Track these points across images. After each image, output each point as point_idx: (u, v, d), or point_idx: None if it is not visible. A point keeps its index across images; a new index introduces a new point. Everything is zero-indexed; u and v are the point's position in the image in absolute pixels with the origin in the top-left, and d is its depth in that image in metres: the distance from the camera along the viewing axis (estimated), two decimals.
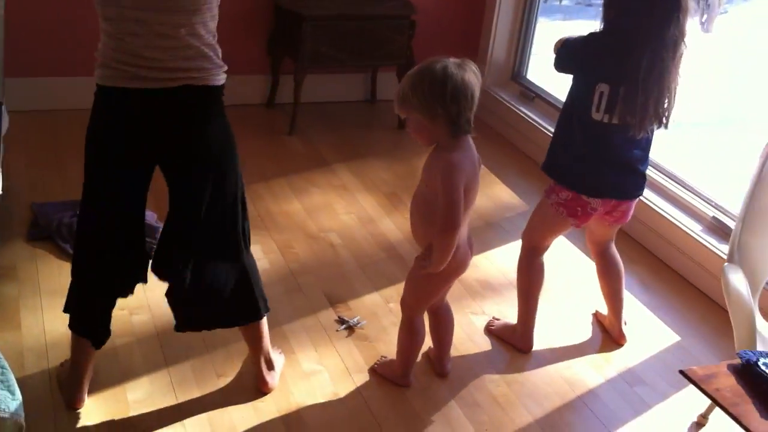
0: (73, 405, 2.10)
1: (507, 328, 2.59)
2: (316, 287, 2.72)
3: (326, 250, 2.95)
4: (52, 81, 3.68)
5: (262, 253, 2.86)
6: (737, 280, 1.82)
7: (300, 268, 2.82)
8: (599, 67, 2.21)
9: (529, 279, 2.50)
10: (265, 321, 2.19)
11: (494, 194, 3.52)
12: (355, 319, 2.57)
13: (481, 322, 2.65)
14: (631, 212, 2.42)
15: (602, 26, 2.25)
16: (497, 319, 2.65)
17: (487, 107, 4.18)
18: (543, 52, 3.70)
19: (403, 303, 2.29)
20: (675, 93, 2.24)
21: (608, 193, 2.32)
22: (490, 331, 2.61)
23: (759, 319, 1.86)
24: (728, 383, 1.38)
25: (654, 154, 2.66)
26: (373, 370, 2.36)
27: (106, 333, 2.10)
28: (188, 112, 1.93)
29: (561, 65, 2.32)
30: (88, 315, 2.08)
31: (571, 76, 2.32)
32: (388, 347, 2.44)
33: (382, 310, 2.64)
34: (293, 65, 3.80)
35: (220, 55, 1.94)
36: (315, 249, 2.95)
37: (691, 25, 2.23)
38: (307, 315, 2.58)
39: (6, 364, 1.71)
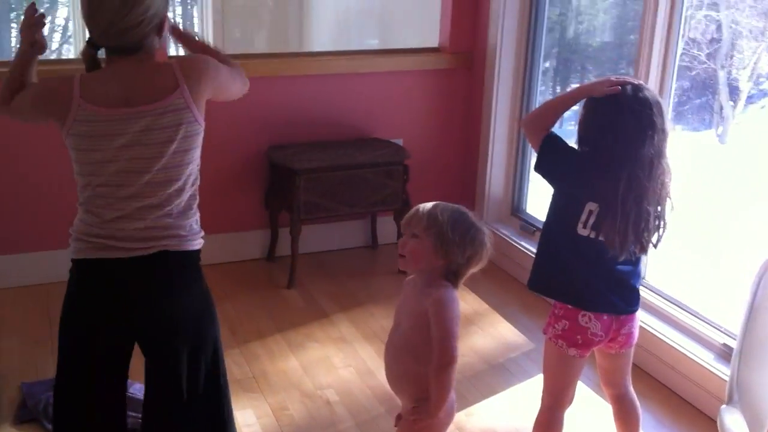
0: None
1: None
2: None
3: (322, 409, 2.83)
4: (40, 255, 3.67)
5: (254, 418, 2.76)
6: (734, 424, 1.69)
7: (294, 431, 2.70)
8: (588, 185, 2.14)
9: None
10: None
11: (498, 333, 3.41)
12: None
13: None
14: (636, 333, 2.29)
15: (579, 149, 2.19)
16: None
17: None
18: (541, 186, 3.68)
19: None
20: (660, 217, 2.17)
21: (604, 308, 2.20)
22: None
23: None
24: None
25: (657, 280, 2.58)
26: None
27: None
28: (163, 279, 1.89)
29: (548, 173, 2.25)
30: None
31: None
32: None
33: None
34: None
35: (198, 221, 1.93)
36: (310, 408, 2.83)
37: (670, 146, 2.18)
38: None
39: None
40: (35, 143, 3.45)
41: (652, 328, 3.06)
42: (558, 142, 2.22)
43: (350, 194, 3.79)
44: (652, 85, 3.08)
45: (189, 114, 1.83)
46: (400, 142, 4.11)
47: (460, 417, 2.77)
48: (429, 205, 2.03)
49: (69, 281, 1.93)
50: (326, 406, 2.85)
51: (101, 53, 1.87)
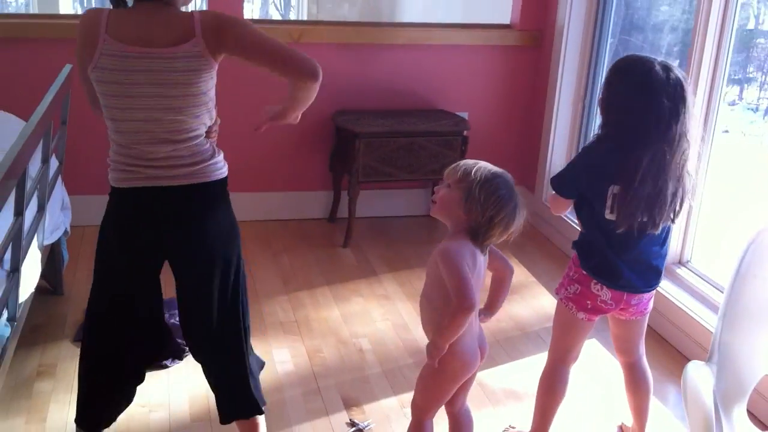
0: None
1: None
2: (335, 390, 2.76)
3: (353, 355, 3.00)
4: None
5: (289, 356, 2.95)
6: (699, 377, 1.75)
7: (324, 371, 2.88)
8: (608, 168, 2.20)
9: (550, 389, 2.42)
10: (261, 420, 2.25)
11: (538, 304, 3.49)
12: (366, 423, 2.59)
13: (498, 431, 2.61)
14: (650, 306, 2.35)
15: (602, 131, 2.27)
16: (512, 427, 2.60)
17: (541, 216, 4.20)
18: None
19: (413, 404, 2.27)
20: (677, 192, 2.20)
21: (618, 285, 2.26)
22: None
23: (730, 421, 1.77)
24: None
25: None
26: None
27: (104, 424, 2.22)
28: (190, 208, 2.06)
29: (566, 187, 2.29)
30: (92, 407, 2.21)
31: None
32: None
33: (396, 414, 2.64)
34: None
35: (219, 155, 2.09)
36: (343, 353, 3.01)
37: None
38: (320, 417, 2.62)
39: None
40: None
41: (695, 313, 3.07)
42: (564, 178, 2.31)
43: (408, 161, 3.93)
44: (705, 67, 3.11)
45: (202, 60, 1.95)
46: (465, 115, 4.22)
47: (484, 375, 2.89)
48: (471, 161, 2.10)
49: (108, 204, 2.13)
50: (358, 352, 3.02)
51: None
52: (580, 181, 2.26)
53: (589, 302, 2.29)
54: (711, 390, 1.75)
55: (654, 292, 2.35)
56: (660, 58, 2.21)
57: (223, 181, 2.10)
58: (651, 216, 2.20)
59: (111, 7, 1.99)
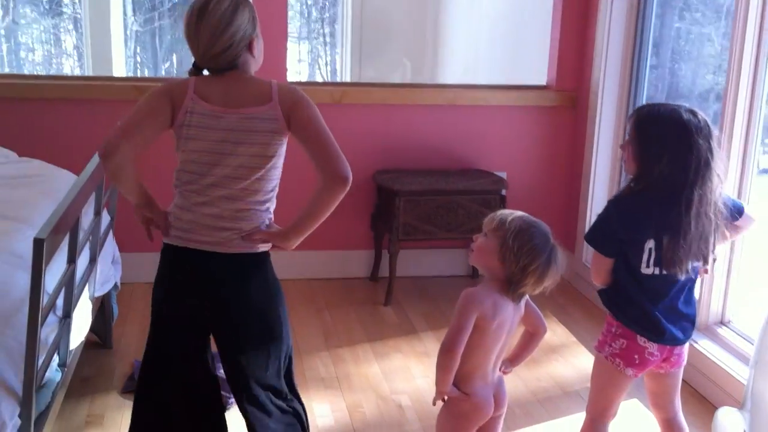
0: None
1: None
2: None
3: (393, 411, 3.02)
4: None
5: (330, 411, 2.98)
6: (729, 422, 1.76)
7: (363, 427, 2.90)
8: (649, 220, 2.21)
9: None
10: None
11: (579, 363, 3.49)
12: None
13: None
14: (685, 357, 2.34)
15: (636, 183, 2.24)
16: None
17: (581, 276, 4.22)
18: None
19: None
20: (716, 228, 2.21)
21: (665, 339, 2.27)
22: None
23: None
24: None
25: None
26: None
27: None
28: (234, 275, 2.15)
29: (605, 242, 2.26)
30: None
31: None
32: None
33: None
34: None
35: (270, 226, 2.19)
36: (383, 409, 3.03)
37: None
38: None
39: None
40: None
41: (737, 373, 3.05)
42: (599, 232, 2.29)
43: (447, 219, 3.99)
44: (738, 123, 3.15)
45: (276, 125, 2.07)
46: (503, 174, 4.28)
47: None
48: (508, 211, 2.16)
49: (160, 260, 2.23)
50: (398, 409, 3.04)
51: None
52: (617, 235, 2.24)
53: (636, 357, 2.27)
54: None
55: (688, 343, 2.36)
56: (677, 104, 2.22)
57: (264, 252, 2.20)
58: (703, 255, 2.22)
59: (195, 77, 2.12)
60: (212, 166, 2.08)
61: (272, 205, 2.20)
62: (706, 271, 2.34)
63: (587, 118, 4.22)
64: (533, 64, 4.82)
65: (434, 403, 2.18)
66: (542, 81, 4.45)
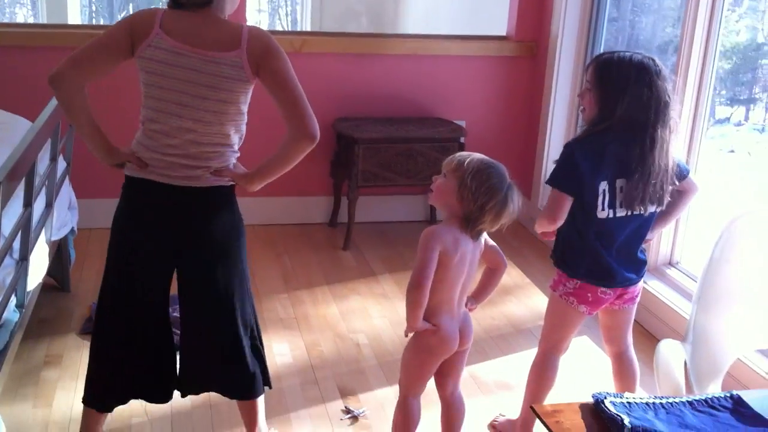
0: None
1: (509, 423, 2.62)
2: (332, 381, 2.86)
3: (351, 349, 3.09)
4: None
5: (288, 350, 3.04)
6: (671, 353, 1.84)
7: (321, 363, 2.97)
8: (609, 162, 2.25)
9: (541, 378, 2.49)
10: (260, 400, 2.35)
11: (532, 303, 3.58)
12: (361, 410, 2.68)
13: (488, 420, 2.69)
14: (639, 292, 2.42)
15: (596, 125, 2.27)
16: (502, 415, 2.69)
17: (534, 218, 4.30)
18: None
19: (399, 382, 2.36)
20: (669, 171, 2.27)
21: (617, 283, 2.34)
22: (494, 426, 2.65)
23: None
24: (572, 418, 1.42)
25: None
26: None
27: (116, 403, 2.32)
28: (198, 208, 2.18)
29: (568, 181, 2.29)
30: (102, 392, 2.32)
31: None
32: None
33: (390, 402, 2.72)
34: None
35: (235, 164, 2.21)
36: (340, 347, 3.10)
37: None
38: (317, 405, 2.71)
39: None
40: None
41: (685, 311, 3.15)
42: (561, 171, 2.32)
43: (407, 167, 4.04)
44: (692, 74, 3.22)
45: (241, 73, 2.07)
46: (462, 123, 4.33)
47: (477, 368, 2.99)
48: (467, 153, 2.21)
49: (121, 195, 2.23)
50: (355, 347, 3.11)
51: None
52: (577, 171, 2.26)
53: (590, 295, 2.34)
54: (682, 364, 1.83)
55: (642, 281, 2.44)
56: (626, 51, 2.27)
57: (231, 187, 2.23)
58: (658, 198, 2.28)
59: (165, 8, 2.11)
60: (179, 107, 2.08)
61: (239, 143, 2.21)
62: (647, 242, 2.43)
63: (546, 69, 4.27)
64: (493, 15, 4.84)
65: (406, 335, 2.25)
66: (502, 32, 4.48)
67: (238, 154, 2.23)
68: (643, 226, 2.36)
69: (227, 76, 2.06)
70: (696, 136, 3.28)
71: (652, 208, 2.30)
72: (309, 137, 2.11)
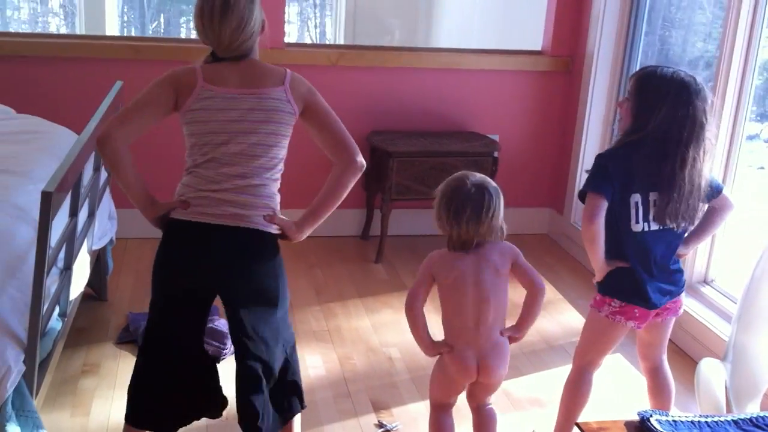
0: None
1: None
2: (365, 394, 2.87)
3: (383, 363, 3.11)
4: None
5: (321, 362, 3.07)
6: (712, 372, 1.84)
7: (354, 376, 2.99)
8: (642, 174, 2.25)
9: (575, 394, 2.48)
10: (297, 420, 2.35)
11: (564, 319, 3.58)
12: (394, 424, 2.69)
13: None
14: (682, 306, 2.40)
15: (630, 137, 2.27)
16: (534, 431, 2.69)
17: (569, 237, 4.30)
18: None
19: (429, 397, 2.40)
20: (701, 189, 2.26)
21: (660, 301, 2.33)
22: None
23: None
24: None
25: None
26: None
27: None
28: (241, 250, 2.15)
29: (602, 184, 2.27)
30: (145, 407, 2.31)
31: None
32: None
33: (423, 417, 2.72)
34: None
35: (278, 205, 2.20)
36: (372, 361, 3.12)
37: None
38: (349, 418, 2.73)
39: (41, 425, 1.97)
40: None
41: (720, 330, 3.13)
42: (595, 177, 2.31)
43: (440, 180, 3.99)
44: (731, 91, 3.20)
45: (288, 105, 2.14)
46: (496, 137, 4.34)
47: (510, 384, 2.98)
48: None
49: (162, 237, 2.22)
50: (387, 360, 3.13)
51: None
52: (611, 178, 2.26)
53: (636, 311, 2.32)
54: (723, 383, 1.83)
55: (683, 292, 2.39)
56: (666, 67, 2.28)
57: (275, 237, 2.20)
58: (689, 216, 2.28)
59: (202, 64, 2.15)
60: (225, 144, 2.12)
61: (278, 185, 2.22)
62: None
63: (581, 84, 4.26)
64: (528, 30, 4.86)
65: (426, 354, 2.29)
66: (537, 46, 4.49)
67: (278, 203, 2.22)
68: (675, 241, 2.35)
69: (280, 108, 2.13)
70: (733, 154, 3.26)
71: (683, 224, 2.30)
72: (359, 167, 2.20)
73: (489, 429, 2.39)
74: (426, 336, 2.24)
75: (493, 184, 2.22)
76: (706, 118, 2.23)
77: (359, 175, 2.21)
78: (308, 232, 2.26)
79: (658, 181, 2.25)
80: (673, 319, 2.44)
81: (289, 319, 2.33)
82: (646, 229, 2.29)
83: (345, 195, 2.23)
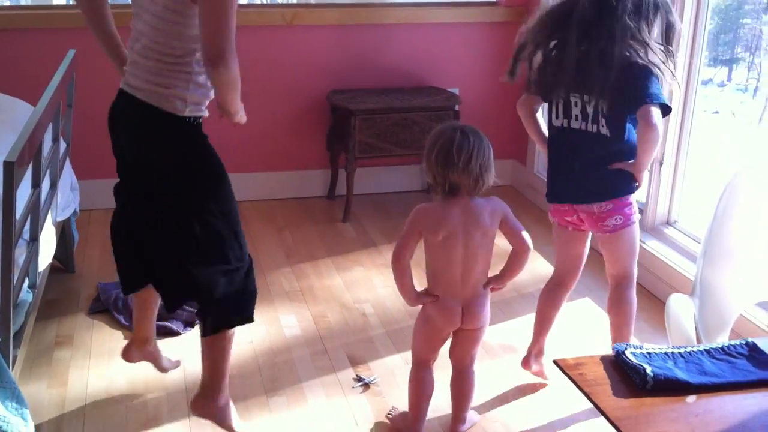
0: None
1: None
2: (341, 350, 2.90)
3: (357, 319, 3.13)
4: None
5: (296, 321, 3.08)
6: (681, 307, 1.89)
7: (329, 334, 3.01)
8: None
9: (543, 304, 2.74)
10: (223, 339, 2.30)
11: (532, 267, 3.60)
12: (372, 377, 2.72)
13: (497, 384, 2.74)
14: (612, 223, 2.43)
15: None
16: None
17: (533, 187, 4.34)
18: None
19: (411, 351, 2.44)
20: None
21: (560, 198, 2.51)
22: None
23: None
24: (594, 370, 1.46)
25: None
26: (388, 421, 2.49)
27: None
28: (141, 126, 2.13)
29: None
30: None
31: None
32: (400, 401, 2.57)
33: (400, 369, 2.77)
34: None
35: (191, 96, 2.09)
36: (347, 317, 3.14)
37: None
38: (328, 374, 2.75)
39: (22, 396, 1.97)
40: None
41: (684, 270, 3.20)
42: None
43: (403, 136, 4.05)
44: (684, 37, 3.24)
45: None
46: (456, 91, 4.35)
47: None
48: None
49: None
50: (361, 317, 3.15)
51: None
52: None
53: (560, 215, 2.54)
54: (692, 317, 1.88)
55: (611, 208, 2.41)
56: None
57: (185, 123, 2.11)
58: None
59: None
60: (138, 21, 2.10)
61: (197, 77, 2.09)
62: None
63: None
64: None
65: (408, 304, 2.34)
66: None
67: (208, 96, 2.14)
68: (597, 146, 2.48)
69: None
70: (690, 99, 3.30)
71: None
72: (207, 60, 1.96)
73: (466, 391, 2.42)
74: (412, 287, 2.27)
75: (478, 131, 2.22)
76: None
77: (211, 68, 1.95)
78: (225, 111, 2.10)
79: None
80: (616, 238, 2.46)
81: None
82: (565, 125, 2.45)
83: (219, 91, 2.03)
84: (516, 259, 2.32)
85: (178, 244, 2.18)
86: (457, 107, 4.13)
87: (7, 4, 8.53)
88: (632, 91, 2.23)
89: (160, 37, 2.05)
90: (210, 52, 1.94)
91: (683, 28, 3.20)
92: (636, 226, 2.46)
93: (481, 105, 4.45)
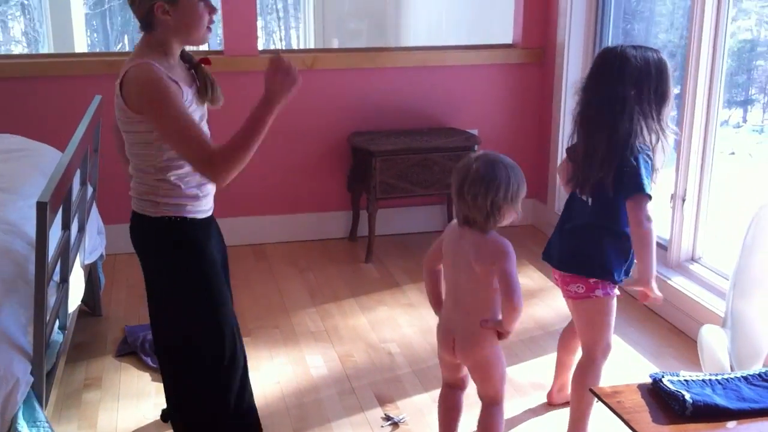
0: None
1: None
2: (368, 389, 2.89)
3: (384, 358, 3.13)
4: None
5: (322, 362, 3.08)
6: (714, 338, 1.88)
7: (356, 373, 3.01)
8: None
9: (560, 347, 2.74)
10: None
11: (557, 305, 3.61)
12: (401, 416, 2.71)
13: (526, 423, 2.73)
14: (575, 290, 2.43)
15: None
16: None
17: (551, 223, 4.34)
18: None
19: None
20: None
21: (544, 256, 2.60)
22: None
23: None
24: (632, 398, 1.46)
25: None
26: None
27: None
28: (134, 235, 2.24)
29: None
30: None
31: None
32: None
33: (428, 408, 2.76)
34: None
35: (169, 199, 2.11)
36: (373, 357, 3.13)
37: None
38: (356, 413, 2.74)
39: None
40: None
41: (711, 305, 3.19)
42: None
43: (423, 176, 4.08)
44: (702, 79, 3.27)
45: (127, 112, 2.01)
46: (475, 132, 4.39)
47: (511, 370, 3.00)
48: None
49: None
50: (387, 356, 3.15)
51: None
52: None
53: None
54: (725, 348, 1.87)
55: (581, 280, 2.41)
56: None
57: (159, 221, 2.14)
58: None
59: None
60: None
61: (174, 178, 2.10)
62: None
63: (554, 74, 4.32)
64: (496, 23, 4.91)
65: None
66: (508, 39, 4.54)
67: (194, 198, 2.16)
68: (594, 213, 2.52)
69: (120, 116, 2.07)
70: (709, 140, 3.33)
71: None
72: (204, 174, 2.06)
73: (483, 428, 2.36)
74: (431, 292, 2.35)
75: (505, 164, 2.20)
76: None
77: (210, 175, 2.03)
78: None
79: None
80: (580, 307, 2.46)
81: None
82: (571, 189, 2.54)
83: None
84: (504, 313, 2.18)
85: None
86: (476, 147, 4.16)
87: (25, 52, 8.73)
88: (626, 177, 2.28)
89: (131, 148, 2.12)
90: (195, 168, 2.04)
91: (701, 67, 3.24)
92: (604, 303, 2.37)
93: (500, 145, 4.48)
